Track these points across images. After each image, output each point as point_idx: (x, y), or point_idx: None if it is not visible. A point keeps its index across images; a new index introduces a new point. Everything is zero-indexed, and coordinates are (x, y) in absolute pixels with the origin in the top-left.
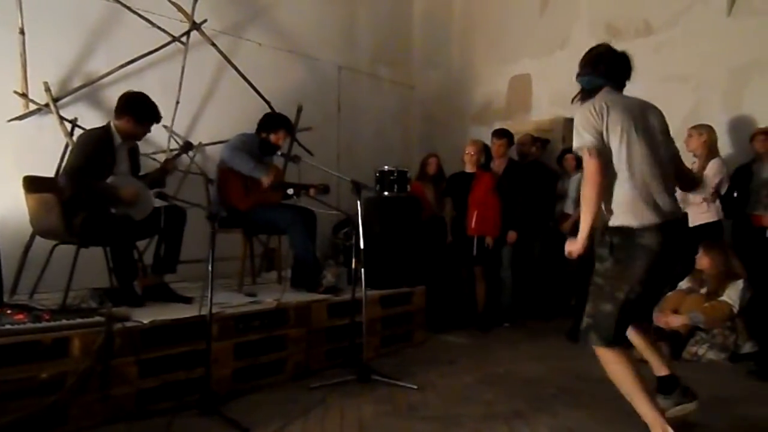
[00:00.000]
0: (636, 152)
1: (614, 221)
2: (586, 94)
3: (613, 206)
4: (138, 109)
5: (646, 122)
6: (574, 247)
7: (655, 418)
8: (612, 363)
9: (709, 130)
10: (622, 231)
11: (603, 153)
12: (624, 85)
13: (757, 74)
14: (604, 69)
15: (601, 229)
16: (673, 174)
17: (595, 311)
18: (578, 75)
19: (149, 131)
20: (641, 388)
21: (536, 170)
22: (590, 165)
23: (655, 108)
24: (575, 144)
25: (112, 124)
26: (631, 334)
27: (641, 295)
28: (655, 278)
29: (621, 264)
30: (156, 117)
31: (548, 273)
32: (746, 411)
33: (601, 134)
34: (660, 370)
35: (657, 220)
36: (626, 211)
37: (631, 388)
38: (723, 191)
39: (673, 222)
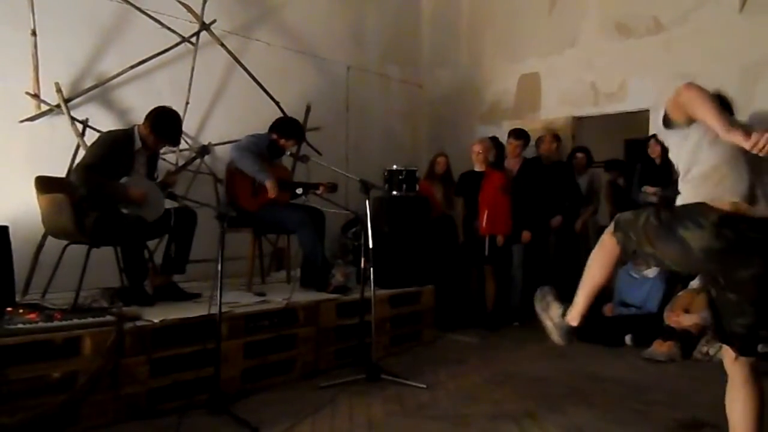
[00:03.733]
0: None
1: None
2: None
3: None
4: (159, 123)
5: None
6: None
7: (582, 304)
8: (608, 248)
9: None
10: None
11: None
12: None
13: None
14: None
15: None
16: None
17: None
18: None
19: (160, 147)
20: (600, 283)
21: (559, 169)
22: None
23: None
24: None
25: (136, 128)
26: None
27: None
28: None
29: None
30: (171, 139)
31: (561, 272)
32: None
33: None
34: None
35: None
36: None
37: (595, 275)
38: None
39: None
